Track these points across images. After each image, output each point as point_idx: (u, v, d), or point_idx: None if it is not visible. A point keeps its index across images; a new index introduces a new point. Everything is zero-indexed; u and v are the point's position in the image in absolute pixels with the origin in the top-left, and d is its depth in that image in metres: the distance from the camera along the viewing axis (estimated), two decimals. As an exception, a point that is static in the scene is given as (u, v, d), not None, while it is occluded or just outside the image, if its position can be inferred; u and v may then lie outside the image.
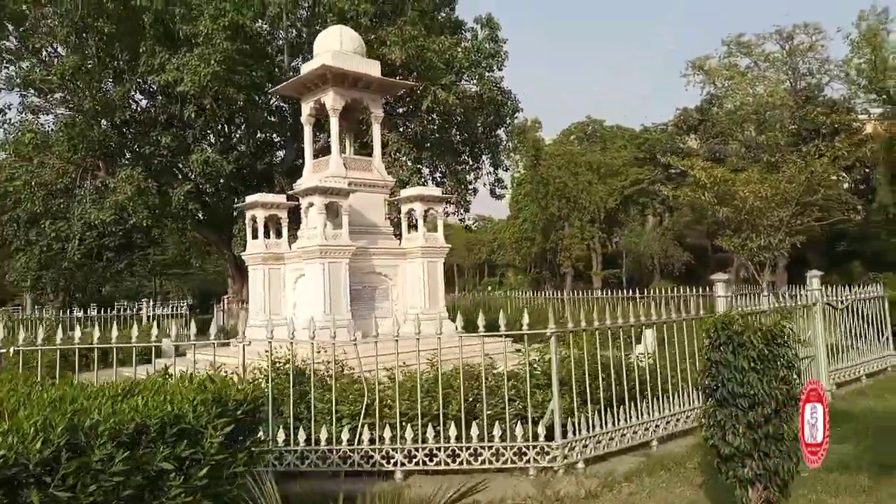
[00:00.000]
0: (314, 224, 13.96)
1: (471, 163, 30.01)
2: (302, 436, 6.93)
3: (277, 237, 15.46)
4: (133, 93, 20.69)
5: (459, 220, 30.12)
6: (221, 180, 22.24)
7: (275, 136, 25.43)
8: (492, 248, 69.44)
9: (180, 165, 22.11)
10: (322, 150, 18.65)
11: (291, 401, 6.93)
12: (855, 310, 11.39)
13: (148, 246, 29.44)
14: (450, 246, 15.46)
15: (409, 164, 21.87)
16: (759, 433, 4.92)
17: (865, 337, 11.66)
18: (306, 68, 14.88)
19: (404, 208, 15.26)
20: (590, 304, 21.22)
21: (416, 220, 14.98)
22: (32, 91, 20.23)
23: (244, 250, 15.68)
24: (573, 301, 21.28)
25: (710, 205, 13.30)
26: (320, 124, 17.66)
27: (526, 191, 35.26)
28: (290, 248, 14.95)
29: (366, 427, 6.85)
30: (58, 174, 20.67)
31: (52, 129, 20.04)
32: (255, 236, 15.27)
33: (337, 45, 14.90)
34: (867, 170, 32.10)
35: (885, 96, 30.40)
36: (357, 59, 14.90)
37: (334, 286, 13.31)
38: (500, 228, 62.32)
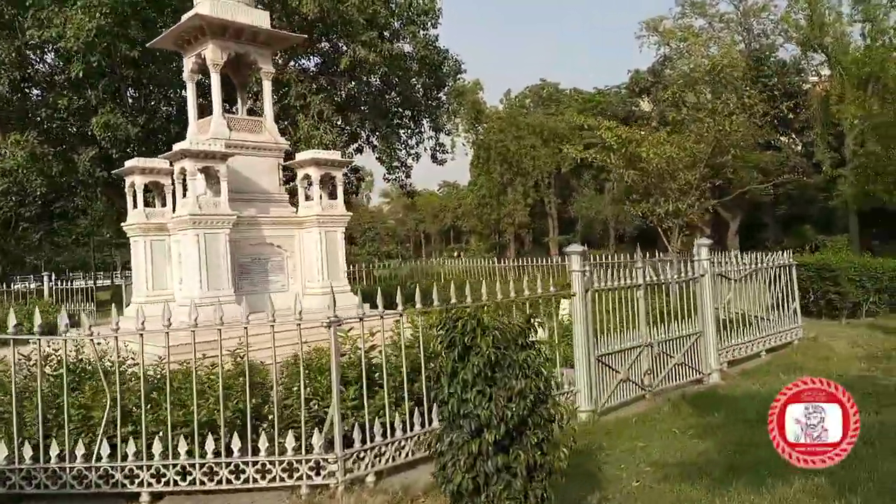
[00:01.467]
0: (198, 191, 12.78)
1: (413, 127, 28.84)
2: (28, 451, 5.61)
3: (163, 206, 14.24)
4: (27, 52, 19.02)
5: (400, 186, 28.95)
6: (131, 145, 20.80)
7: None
8: (456, 214, 68.47)
9: (86, 130, 20.57)
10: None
11: (40, 408, 5.71)
12: (767, 280, 10.65)
13: (73, 215, 27.85)
14: (350, 214, 14.36)
15: (328, 127, 20.52)
16: (488, 465, 3.79)
17: (779, 309, 10.92)
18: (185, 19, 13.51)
19: (300, 173, 14.10)
20: (519, 272, 20.40)
21: (312, 186, 13.85)
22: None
23: None
24: (500, 270, 20.46)
25: (616, 167, 12.39)
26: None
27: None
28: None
29: (119, 439, 5.52)
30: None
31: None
32: (135, 205, 14.04)
33: (219, -6, 13.52)
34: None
35: (824, 53, 29.65)
36: (242, 9, 13.53)
37: (212, 259, 12.17)
38: (465, 195, 61.29)
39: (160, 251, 13.73)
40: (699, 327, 8.49)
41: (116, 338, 6.20)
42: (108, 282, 33.89)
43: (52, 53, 18.75)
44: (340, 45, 21.86)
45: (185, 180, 12.89)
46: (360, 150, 27.52)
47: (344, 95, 23.77)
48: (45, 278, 20.06)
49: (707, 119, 11.85)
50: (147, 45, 14.41)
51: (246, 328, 6.10)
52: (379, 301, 6.07)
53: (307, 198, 14.02)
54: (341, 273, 14.10)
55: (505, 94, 32.26)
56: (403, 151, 28.56)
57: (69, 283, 20.44)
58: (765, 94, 19.88)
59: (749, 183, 24.46)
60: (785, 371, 8.80)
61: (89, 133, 20.04)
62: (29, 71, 19.52)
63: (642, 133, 11.99)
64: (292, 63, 22.70)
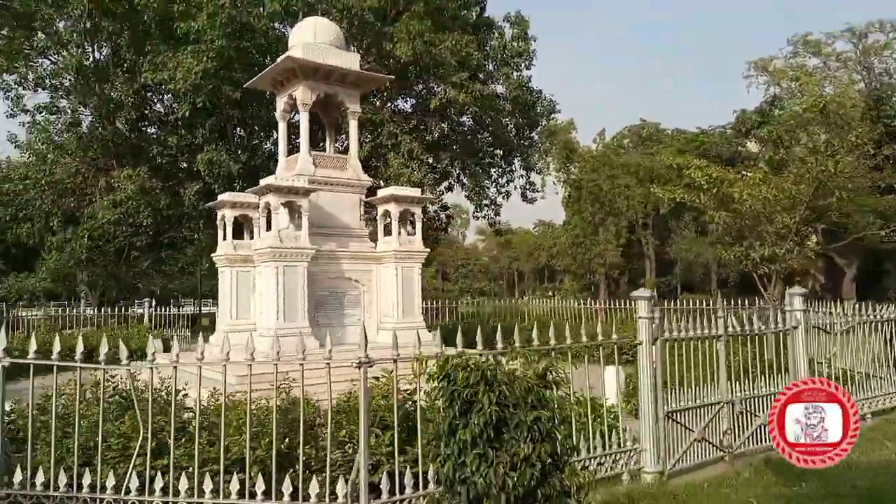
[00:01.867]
0: (280, 225, 13.16)
1: (504, 166, 28.78)
2: (41, 478, 5.58)
3: (251, 238, 14.75)
4: (144, 93, 20.56)
5: (489, 223, 28.81)
6: (234, 181, 21.87)
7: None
8: (550, 253, 67.48)
9: (192, 167, 21.87)
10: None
11: (75, 436, 5.77)
12: (881, 335, 9.58)
13: (180, 245, 29.51)
14: (427, 251, 14.31)
15: (417, 165, 20.75)
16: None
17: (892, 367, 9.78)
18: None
19: (380, 209, 14.25)
20: (608, 314, 19.61)
21: (392, 222, 13.94)
22: (43, 90, 20.44)
23: None
24: (587, 311, 19.76)
25: (706, 209, 11.64)
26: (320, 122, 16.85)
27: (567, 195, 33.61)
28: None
29: (148, 473, 5.47)
30: (70, 174, 20.78)
31: (62, 129, 20.13)
32: (224, 237, 14.60)
33: (310, 38, 14.06)
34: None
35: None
36: (331, 51, 13.99)
37: (289, 291, 12.41)
38: (559, 234, 60.29)
39: (245, 282, 14.14)
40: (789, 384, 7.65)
41: (176, 367, 6.23)
42: (214, 308, 35.66)
43: (165, 95, 20.08)
44: (433, 85, 22.19)
45: (269, 214, 13.32)
46: (450, 189, 27.68)
47: (435, 135, 24.05)
48: (146, 304, 21.20)
49: (809, 159, 10.97)
50: (245, 85, 15.13)
51: (302, 364, 5.96)
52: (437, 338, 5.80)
53: (386, 233, 14.12)
54: (416, 309, 14.00)
55: (599, 134, 31.78)
56: (493, 189, 28.51)
57: (169, 309, 21.50)
58: (882, 134, 18.43)
59: (864, 228, 22.49)
60: (892, 438, 7.77)
61: (195, 169, 21.27)
62: (146, 111, 21.04)
63: (735, 173, 11.25)
64: (388, 104, 23.28)
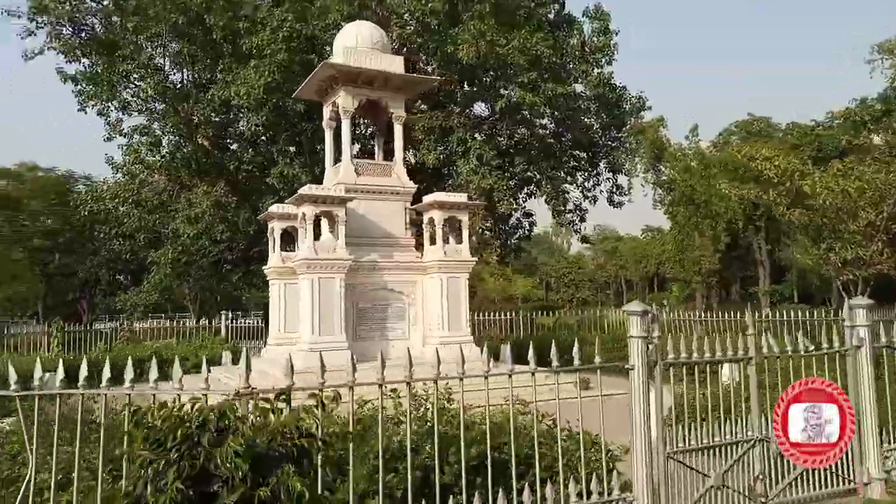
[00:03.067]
0: (319, 235, 12.86)
1: (589, 169, 27.38)
2: None
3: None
4: (221, 111, 21.12)
5: (575, 230, 27.46)
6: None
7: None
8: (659, 260, 64.21)
9: (267, 181, 22.28)
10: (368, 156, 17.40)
11: (32, 466, 5.32)
12: None
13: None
14: (475, 260, 13.50)
15: (488, 171, 19.93)
16: None
17: None
18: (322, 69, 13.87)
19: (425, 217, 13.63)
20: (705, 326, 17.87)
21: (436, 230, 13.28)
22: (130, 115, 21.50)
23: None
24: (679, 323, 18.06)
25: (776, 205, 10.05)
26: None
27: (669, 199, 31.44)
28: (302, 261, 13.94)
29: None
30: (156, 192, 21.73)
31: (148, 149, 21.07)
32: (273, 249, 14.51)
33: (352, 42, 13.75)
34: None
35: None
36: (374, 56, 13.58)
37: (325, 304, 12.05)
38: (667, 239, 57.22)
39: (293, 294, 13.92)
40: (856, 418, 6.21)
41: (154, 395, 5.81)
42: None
43: (240, 112, 20.51)
44: (501, 88, 21.36)
45: (318, 225, 13.02)
46: (531, 195, 26.60)
47: (507, 139, 23.19)
48: (222, 316, 21.73)
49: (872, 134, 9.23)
50: (293, 96, 15.03)
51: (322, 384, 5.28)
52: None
53: (432, 242, 13.47)
54: (463, 322, 13.23)
55: (691, 130, 29.42)
56: (578, 194, 27.17)
57: (247, 321, 21.96)
58: None
59: None
60: None
61: (271, 183, 21.62)
62: (223, 129, 21.62)
63: (802, 162, 9.65)
64: (459, 110, 22.66)
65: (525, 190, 26.63)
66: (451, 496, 4.74)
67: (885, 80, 31.67)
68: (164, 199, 22.11)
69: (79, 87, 20.78)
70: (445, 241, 13.51)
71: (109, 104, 20.50)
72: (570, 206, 26.60)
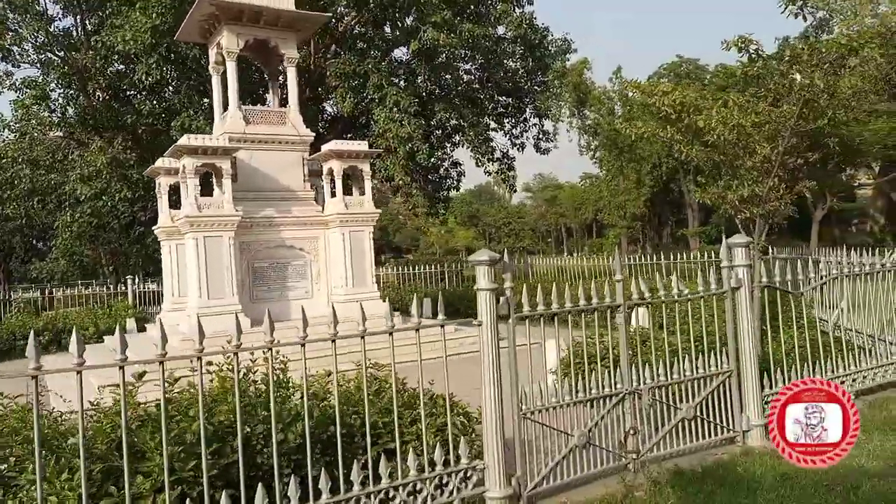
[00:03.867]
0: (221, 190, 11.87)
1: (517, 115, 26.74)
2: None
3: (195, 207, 13.55)
4: (111, 59, 19.48)
5: (503, 179, 26.90)
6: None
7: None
8: (597, 207, 64.70)
9: (170, 134, 20.88)
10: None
11: None
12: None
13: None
14: (378, 212, 12.78)
15: (406, 119, 19.05)
16: None
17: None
18: (201, 7, 12.65)
19: (325, 168, 12.78)
20: (632, 271, 17.71)
21: (336, 182, 12.47)
22: (14, 65, 19.64)
23: None
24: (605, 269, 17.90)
25: (676, 143, 9.63)
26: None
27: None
28: (192, 219, 12.96)
29: None
30: (49, 150, 20.12)
31: (32, 102, 19.34)
32: (162, 207, 13.48)
33: (234, -23, 12.51)
34: None
35: None
36: (259, -9, 12.42)
37: (213, 265, 11.19)
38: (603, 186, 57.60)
39: (184, 255, 13.00)
40: (729, 363, 5.87)
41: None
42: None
43: (127, 60, 18.94)
44: (416, 30, 20.32)
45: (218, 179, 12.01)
46: (457, 144, 25.87)
47: (427, 84, 22.26)
48: (129, 281, 20.55)
49: (794, 72, 8.81)
50: (175, 37, 13.78)
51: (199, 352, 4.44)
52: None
53: (333, 195, 12.67)
54: (369, 278, 12.57)
55: (614, 73, 28.81)
56: (507, 141, 26.58)
57: (154, 286, 20.81)
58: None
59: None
60: (881, 429, 5.90)
61: (174, 136, 20.22)
62: (116, 79, 20.00)
63: (701, 96, 9.18)
64: (373, 53, 21.54)
65: (451, 139, 25.93)
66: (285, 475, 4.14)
67: (803, 22, 31.67)
68: (60, 158, 20.54)
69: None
70: (347, 192, 12.75)
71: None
72: (497, 154, 26.02)
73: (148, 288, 20.89)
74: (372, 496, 4.22)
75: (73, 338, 3.34)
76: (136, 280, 20.32)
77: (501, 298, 4.78)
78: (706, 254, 16.68)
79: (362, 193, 12.78)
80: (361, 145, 12.67)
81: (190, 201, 11.15)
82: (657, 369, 5.55)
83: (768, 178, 8.68)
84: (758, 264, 7.68)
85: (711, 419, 5.76)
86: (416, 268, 22.08)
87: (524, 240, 68.69)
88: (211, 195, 11.73)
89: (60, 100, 20.18)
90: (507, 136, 26.74)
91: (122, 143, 19.27)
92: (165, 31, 16.53)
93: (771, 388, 6.08)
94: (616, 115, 25.65)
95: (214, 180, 11.85)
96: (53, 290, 23.38)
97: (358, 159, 12.49)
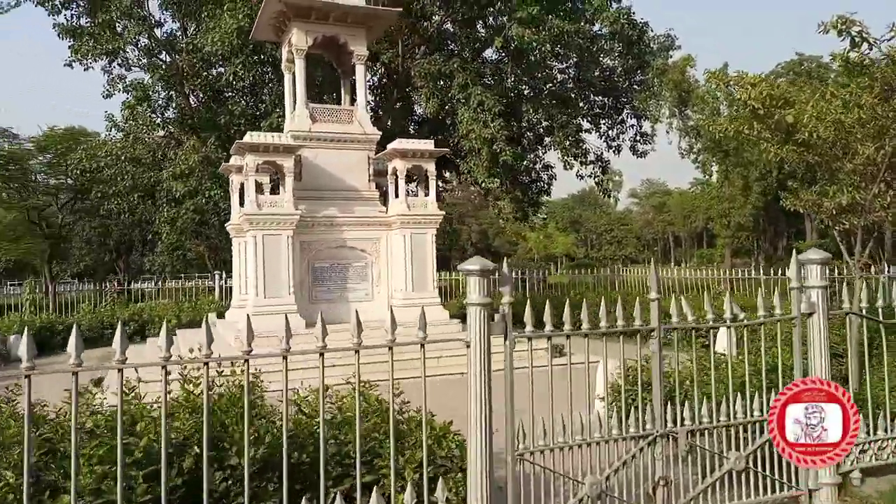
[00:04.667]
0: (259, 189, 11.79)
1: (614, 116, 25.45)
2: None
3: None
4: (204, 62, 20.10)
5: (596, 182, 25.63)
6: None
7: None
8: (708, 215, 61.31)
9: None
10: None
11: None
12: None
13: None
14: (442, 214, 12.25)
15: (489, 118, 18.42)
16: None
17: None
18: (273, 6, 12.62)
19: (389, 168, 12.41)
20: (732, 285, 16.30)
21: (399, 181, 12.07)
22: (124, 68, 20.71)
23: None
24: (700, 282, 16.53)
25: (763, 142, 8.37)
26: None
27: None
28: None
29: None
30: (150, 149, 21.10)
31: (135, 104, 20.28)
32: (235, 205, 13.59)
33: (305, -26, 12.40)
34: None
35: None
36: (328, -13, 12.24)
37: (271, 263, 11.10)
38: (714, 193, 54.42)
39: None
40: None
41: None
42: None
43: (218, 60, 19.45)
44: (501, 27, 19.66)
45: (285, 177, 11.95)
46: (546, 146, 24.93)
47: (516, 84, 21.53)
48: (216, 276, 21.15)
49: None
50: (250, 37, 13.86)
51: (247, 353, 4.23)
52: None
53: (396, 195, 12.28)
54: (429, 282, 12.08)
55: (712, 72, 26.47)
56: (602, 143, 25.35)
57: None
58: None
59: None
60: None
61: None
62: (212, 80, 20.64)
63: (798, 89, 7.95)
64: (461, 52, 21.07)
65: (542, 141, 25.04)
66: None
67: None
68: (160, 157, 21.48)
69: (72, 42, 20.09)
70: (414, 193, 12.32)
71: (94, 58, 19.66)
72: (591, 156, 24.88)
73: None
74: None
75: (118, 334, 3.05)
76: (223, 275, 20.87)
77: (497, 315, 4.09)
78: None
79: (427, 194, 12.30)
80: (426, 144, 12.19)
81: (251, 199, 11.08)
82: (700, 409, 4.64)
83: (872, 183, 7.37)
84: (856, 285, 6.52)
85: (768, 473, 4.76)
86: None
87: (626, 248, 66.17)
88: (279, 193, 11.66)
89: (161, 101, 21.06)
90: (603, 137, 25.51)
91: (216, 142, 19.80)
92: (250, 31, 16.78)
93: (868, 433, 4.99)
94: (722, 116, 23.78)
95: (282, 178, 11.75)
96: (143, 282, 24.65)
97: (422, 158, 12.02)
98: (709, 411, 4.65)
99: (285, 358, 3.65)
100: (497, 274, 4.28)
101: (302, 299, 11.51)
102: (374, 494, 3.75)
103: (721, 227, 25.02)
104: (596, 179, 25.32)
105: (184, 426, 4.18)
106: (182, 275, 30.33)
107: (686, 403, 4.64)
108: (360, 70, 12.76)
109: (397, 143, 12.02)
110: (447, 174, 26.89)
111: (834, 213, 7.76)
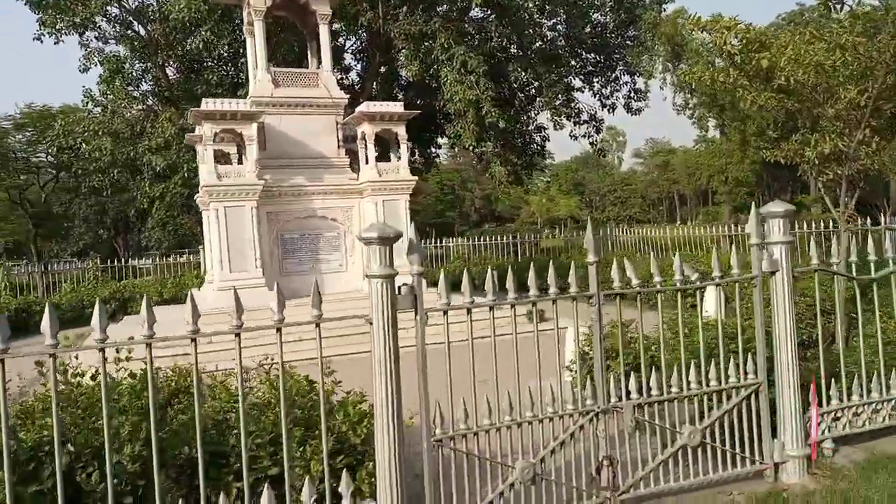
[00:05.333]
0: (248, 156, 11.29)
1: (607, 73, 24.63)
2: None
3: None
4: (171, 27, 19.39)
5: (590, 142, 24.89)
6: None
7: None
8: (710, 172, 60.22)
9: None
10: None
11: None
12: None
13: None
14: (415, 179, 11.72)
15: (475, 80, 17.73)
16: None
17: None
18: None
19: (358, 132, 11.86)
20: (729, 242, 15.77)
21: (368, 147, 11.54)
22: (100, 40, 20.07)
23: None
24: (699, 240, 16.02)
25: (741, 89, 7.76)
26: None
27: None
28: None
29: None
30: (128, 123, 20.54)
31: (109, 76, 19.67)
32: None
33: (260, -73, 11.71)
34: None
35: None
36: (285, -58, 11.57)
37: (235, 236, 10.65)
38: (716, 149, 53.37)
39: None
40: (756, 374, 4.39)
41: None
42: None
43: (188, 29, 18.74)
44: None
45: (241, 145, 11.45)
46: (538, 108, 24.20)
47: (502, 42, 20.75)
48: (201, 251, 20.75)
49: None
50: (208, 2, 13.21)
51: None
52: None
53: (366, 161, 11.75)
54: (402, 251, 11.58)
55: (713, 19, 25.46)
56: (598, 102, 24.57)
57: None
58: None
59: None
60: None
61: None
62: (180, 50, 19.93)
63: (773, 31, 7.35)
64: (445, 11, 20.26)
65: (533, 102, 24.30)
66: None
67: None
68: (137, 132, 20.92)
69: (39, 14, 19.43)
70: (384, 158, 11.80)
71: (65, 31, 18.99)
72: (584, 116, 24.18)
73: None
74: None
75: (96, 312, 3.00)
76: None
77: (404, 287, 3.63)
78: (822, 223, 14.33)
79: (399, 159, 11.77)
80: (395, 106, 11.63)
81: (209, 169, 10.60)
82: (649, 380, 4.19)
83: (857, 129, 6.80)
84: (842, 239, 6.03)
85: (728, 447, 4.32)
86: (488, 238, 20.90)
87: (631, 208, 65.32)
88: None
89: (137, 74, 20.47)
90: (597, 96, 24.74)
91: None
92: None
93: (828, 404, 4.54)
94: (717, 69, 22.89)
95: (246, 145, 11.23)
96: (141, 259, 24.37)
97: (392, 122, 11.47)
98: (658, 382, 4.20)
99: (237, 335, 3.33)
100: (406, 243, 3.82)
101: (272, 272, 11.09)
102: (265, 492, 3.34)
103: (719, 184, 24.29)
104: (590, 140, 24.66)
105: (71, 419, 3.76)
106: (176, 251, 30.02)
107: (632, 375, 4.19)
108: (323, 31, 12.13)
109: (364, 107, 11.46)
110: (440, 139, 26.27)
111: (816, 162, 7.21)
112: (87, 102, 20.78)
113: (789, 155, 7.52)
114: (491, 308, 3.83)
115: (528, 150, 25.12)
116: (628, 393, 4.13)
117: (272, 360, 4.51)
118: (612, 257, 14.09)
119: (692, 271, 4.33)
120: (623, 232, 20.64)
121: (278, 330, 3.45)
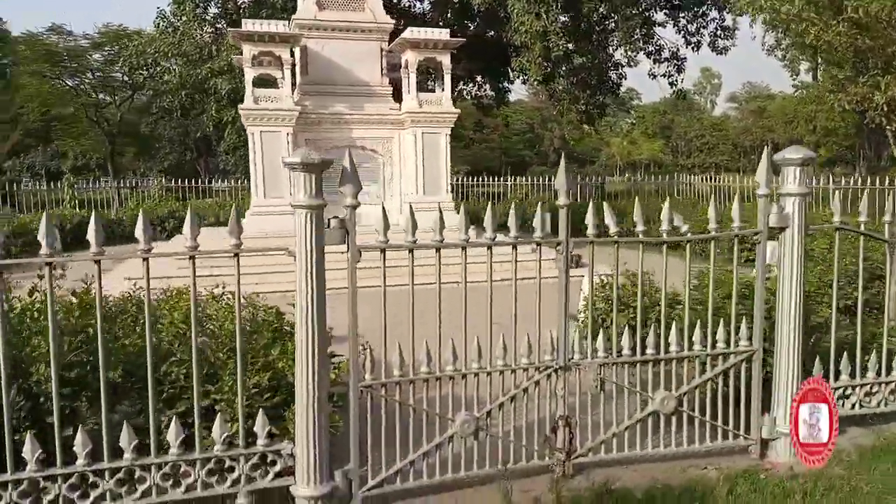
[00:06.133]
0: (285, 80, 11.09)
1: (695, 8, 22.85)
2: None
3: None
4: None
5: (670, 81, 23.36)
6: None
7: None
8: (799, 119, 55.79)
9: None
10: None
11: None
12: None
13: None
14: (457, 112, 11.23)
15: (545, 9, 16.76)
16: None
17: None
18: None
19: (402, 61, 11.41)
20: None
21: (410, 76, 11.11)
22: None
23: None
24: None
25: (801, 20, 6.76)
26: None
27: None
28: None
29: None
30: (198, 46, 20.72)
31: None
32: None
33: None
34: None
35: None
36: None
37: (270, 162, 10.60)
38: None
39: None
40: (750, 340, 3.89)
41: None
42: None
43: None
44: None
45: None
46: (607, 38, 22.75)
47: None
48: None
49: None
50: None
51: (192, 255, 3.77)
52: None
53: (409, 91, 11.34)
54: (443, 184, 11.29)
55: None
56: (682, 38, 22.92)
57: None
58: None
59: None
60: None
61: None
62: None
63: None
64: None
65: (610, 37, 22.89)
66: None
67: None
68: (205, 55, 21.09)
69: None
70: (427, 89, 11.36)
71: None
72: (665, 53, 22.69)
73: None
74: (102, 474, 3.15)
75: (140, 223, 3.16)
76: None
77: (333, 220, 3.35)
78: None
79: (443, 90, 11.29)
80: (440, 33, 11.07)
81: (248, 93, 10.48)
82: (622, 339, 3.78)
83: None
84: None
85: (710, 418, 3.89)
86: (545, 179, 20.25)
87: (720, 155, 61.80)
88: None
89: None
90: (682, 32, 23.05)
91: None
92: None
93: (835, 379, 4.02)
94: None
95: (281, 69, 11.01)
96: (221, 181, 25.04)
97: (436, 50, 10.95)
98: (630, 342, 3.78)
99: (236, 256, 3.29)
100: (334, 169, 3.50)
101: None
102: (172, 425, 3.20)
103: (805, 132, 22.41)
104: (671, 79, 23.15)
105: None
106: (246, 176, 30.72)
107: (602, 333, 3.79)
108: (372, -51, 11.57)
109: (408, 33, 10.96)
110: (512, 75, 25.32)
111: (886, 108, 6.32)
112: (160, 23, 21.05)
113: (855, 99, 6.63)
114: (437, 250, 3.49)
115: (603, 88, 23.88)
116: (595, 351, 3.75)
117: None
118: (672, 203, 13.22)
119: (682, 221, 3.81)
120: (700, 180, 19.46)
121: (235, 255, 3.30)
